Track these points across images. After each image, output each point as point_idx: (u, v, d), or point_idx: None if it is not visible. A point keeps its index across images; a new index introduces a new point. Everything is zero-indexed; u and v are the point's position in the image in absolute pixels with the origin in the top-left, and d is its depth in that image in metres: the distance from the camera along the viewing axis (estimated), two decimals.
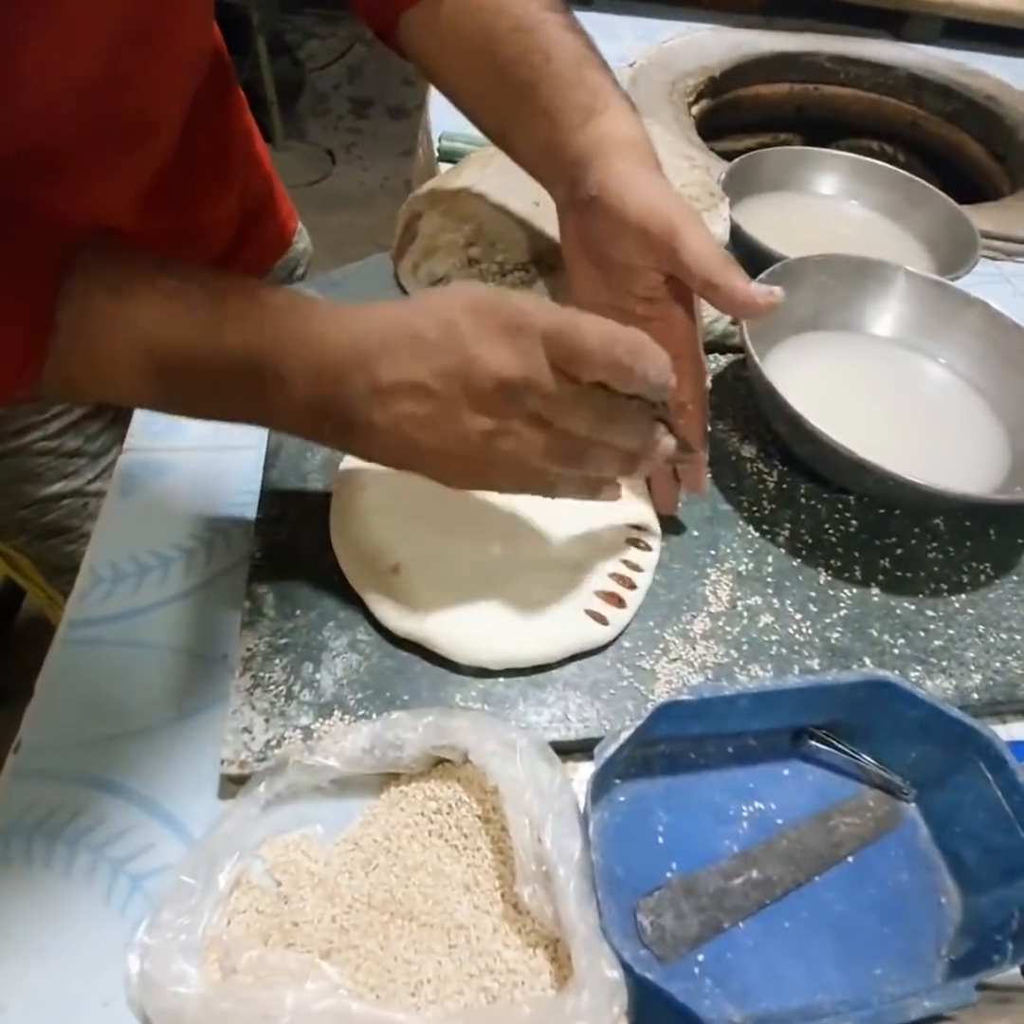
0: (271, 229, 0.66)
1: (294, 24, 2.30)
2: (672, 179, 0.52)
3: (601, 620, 0.36)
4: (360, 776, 0.32)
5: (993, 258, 0.68)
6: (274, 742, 0.32)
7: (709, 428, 0.41)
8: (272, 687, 0.33)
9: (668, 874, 0.31)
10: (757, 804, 0.34)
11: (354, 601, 0.37)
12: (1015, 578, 0.42)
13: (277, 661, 0.34)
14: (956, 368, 0.48)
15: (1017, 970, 0.28)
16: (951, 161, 0.99)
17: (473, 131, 0.70)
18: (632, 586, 0.37)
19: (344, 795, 0.32)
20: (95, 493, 0.56)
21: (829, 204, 0.62)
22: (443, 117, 0.76)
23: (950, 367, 0.48)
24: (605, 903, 0.26)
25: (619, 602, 0.36)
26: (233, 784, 0.32)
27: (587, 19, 0.41)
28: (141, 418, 0.47)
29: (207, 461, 0.45)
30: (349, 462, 0.41)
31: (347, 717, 0.33)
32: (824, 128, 1.07)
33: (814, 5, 1.06)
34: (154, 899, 0.29)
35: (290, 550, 0.38)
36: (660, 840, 0.32)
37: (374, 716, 0.33)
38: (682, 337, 0.37)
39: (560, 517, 0.39)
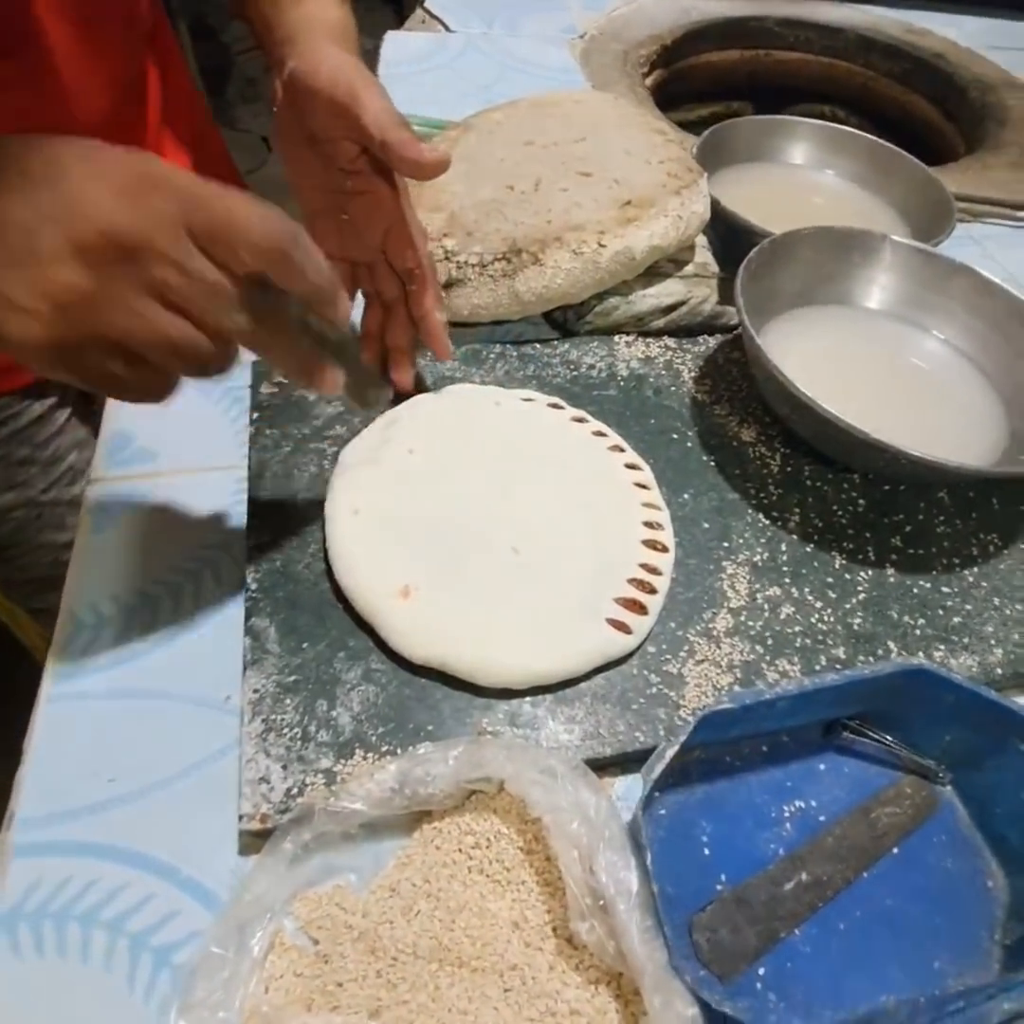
0: None
1: (216, 5, 2.18)
2: (648, 155, 0.51)
3: (624, 628, 0.34)
4: (390, 816, 0.30)
5: (960, 220, 0.68)
6: (295, 790, 0.30)
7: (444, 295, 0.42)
8: (286, 730, 0.31)
9: (718, 886, 0.30)
10: (797, 803, 0.33)
11: (363, 627, 0.34)
12: (1023, 547, 0.42)
13: (288, 701, 0.32)
14: (947, 338, 0.47)
15: None
16: (904, 123, 0.99)
17: (429, 112, 0.68)
18: (652, 590, 0.36)
19: (374, 838, 0.30)
20: (50, 502, 0.53)
21: (802, 174, 0.61)
22: (397, 97, 0.72)
23: (941, 337, 0.48)
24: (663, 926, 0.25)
25: (640, 608, 0.35)
26: (255, 838, 0.29)
27: None
28: (106, 446, 0.43)
29: (183, 486, 0.42)
30: (336, 483, 0.38)
31: (370, 755, 0.31)
32: (776, 94, 1.05)
33: None
34: (183, 974, 0.27)
35: (288, 578, 0.36)
36: (706, 851, 0.31)
37: (399, 751, 0.31)
38: (389, 206, 0.39)
39: (572, 522, 0.38)
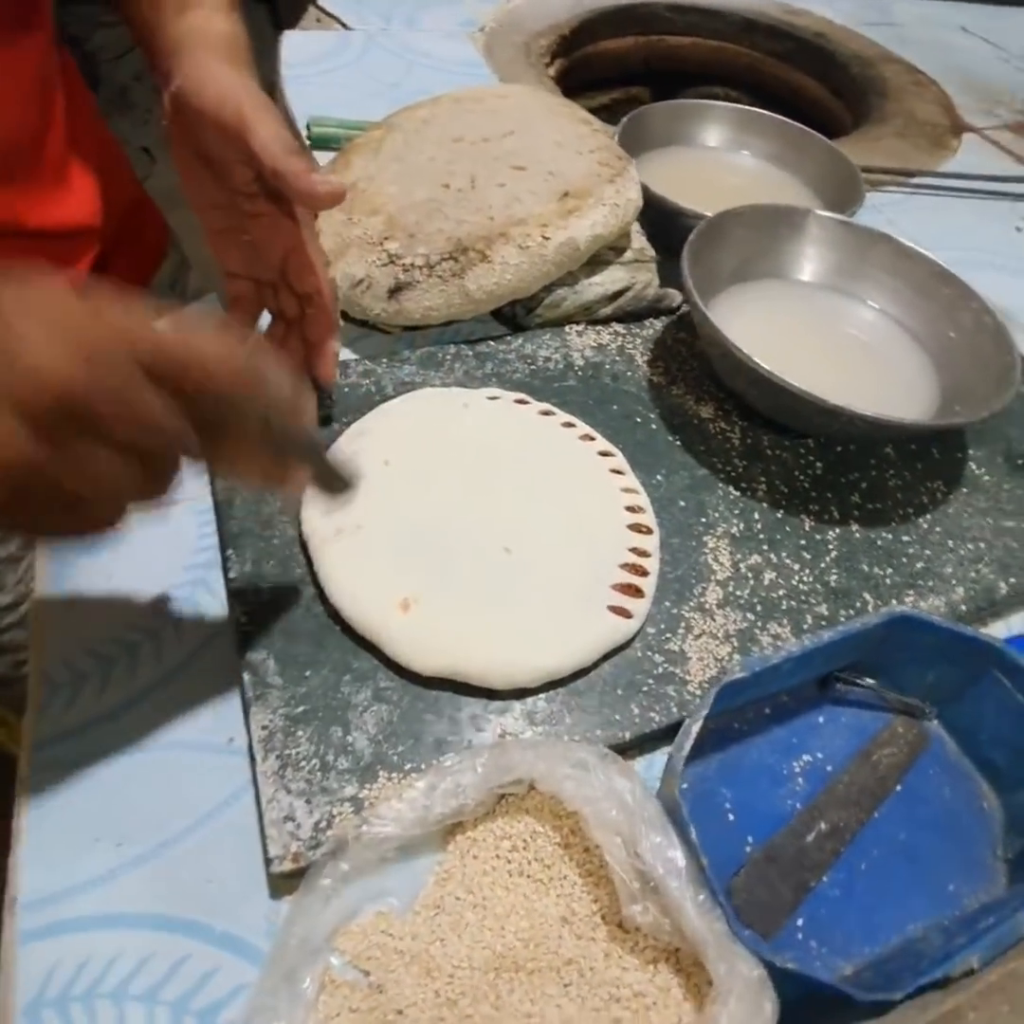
0: (146, 237, 0.59)
1: (77, 15, 2.04)
2: (578, 145, 0.51)
3: (624, 613, 0.35)
4: (424, 834, 0.30)
5: None
6: (323, 823, 0.29)
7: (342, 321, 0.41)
8: (303, 763, 0.30)
9: (747, 849, 0.32)
10: (805, 757, 0.35)
11: (365, 647, 0.34)
12: (965, 491, 0.45)
13: (300, 733, 0.31)
14: (875, 303, 0.50)
15: None
16: (793, 101, 1.04)
17: (344, 113, 0.66)
18: (644, 572, 0.37)
19: (410, 858, 0.30)
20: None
21: (717, 155, 0.63)
22: (303, 99, 0.70)
23: (869, 303, 0.51)
24: None
25: (636, 591, 0.36)
26: (287, 879, 0.28)
27: None
28: None
29: (146, 522, 0.39)
30: (312, 504, 0.37)
31: (395, 775, 0.30)
32: (673, 78, 1.09)
33: None
34: None
35: (278, 607, 0.35)
36: (731, 817, 0.32)
37: (422, 766, 0.31)
38: (288, 230, 0.38)
39: (557, 515, 0.38)
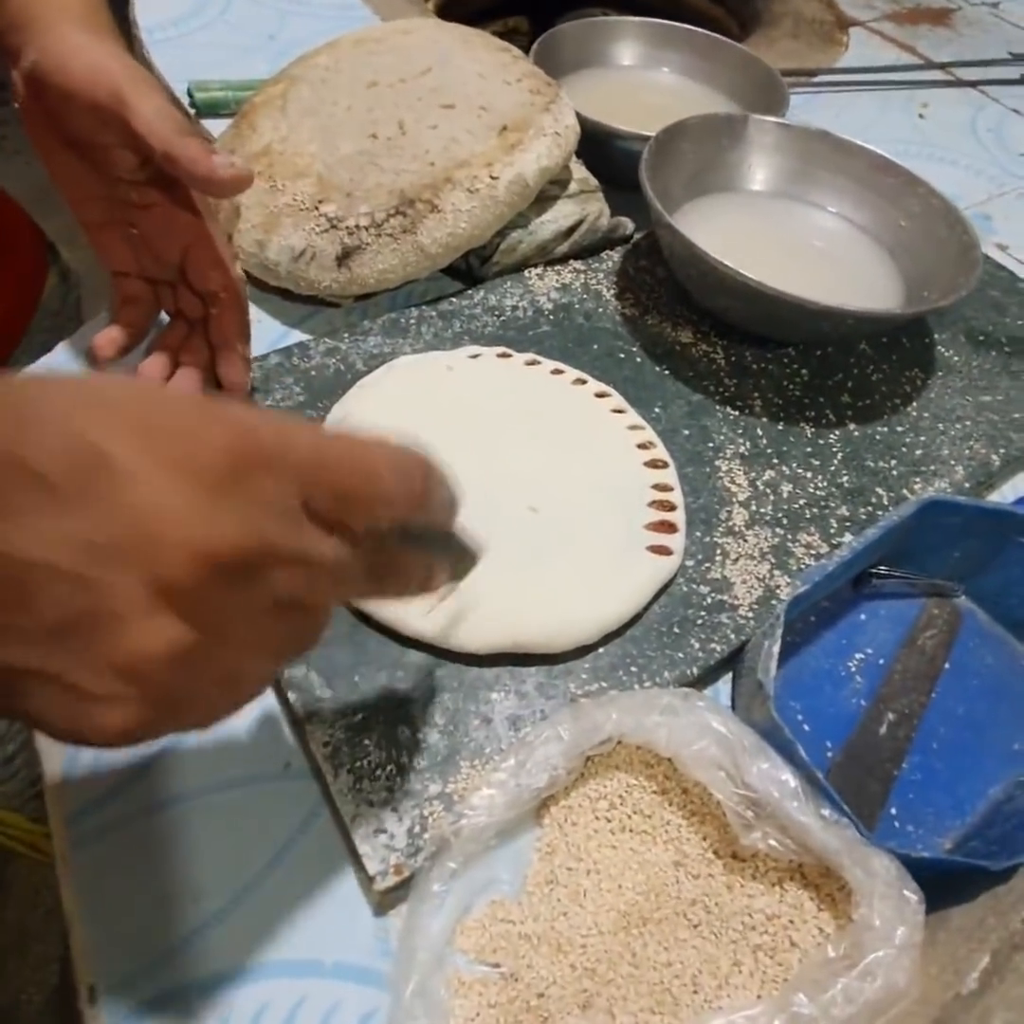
0: (18, 249, 0.52)
1: None
2: (503, 75, 0.48)
3: (664, 551, 0.34)
4: (519, 814, 0.28)
5: None
6: (416, 828, 0.27)
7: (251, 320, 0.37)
8: (378, 772, 0.28)
9: (828, 754, 0.32)
10: (857, 656, 0.35)
11: (408, 642, 0.32)
12: (940, 374, 0.46)
13: (366, 741, 0.29)
14: (826, 204, 0.50)
15: None
16: (677, 15, 1.01)
17: (227, 73, 0.60)
18: (672, 507, 0.36)
19: (509, 841, 0.29)
20: None
21: (635, 74, 0.61)
22: (174, 65, 0.63)
23: (821, 205, 0.50)
24: None
25: (670, 527, 0.35)
26: (390, 893, 0.27)
27: None
28: None
29: None
30: None
31: (476, 762, 0.29)
32: (550, 6, 1.04)
33: None
34: None
35: None
36: (805, 727, 0.33)
37: (503, 746, 0.29)
38: (186, 221, 0.34)
39: (573, 465, 0.36)
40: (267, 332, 0.44)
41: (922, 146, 0.69)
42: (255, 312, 0.46)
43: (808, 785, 0.26)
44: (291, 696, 0.30)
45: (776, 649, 0.29)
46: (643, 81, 0.61)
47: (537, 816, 0.29)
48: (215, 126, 0.56)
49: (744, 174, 0.50)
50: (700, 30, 0.61)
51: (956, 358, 0.47)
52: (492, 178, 0.43)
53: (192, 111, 0.58)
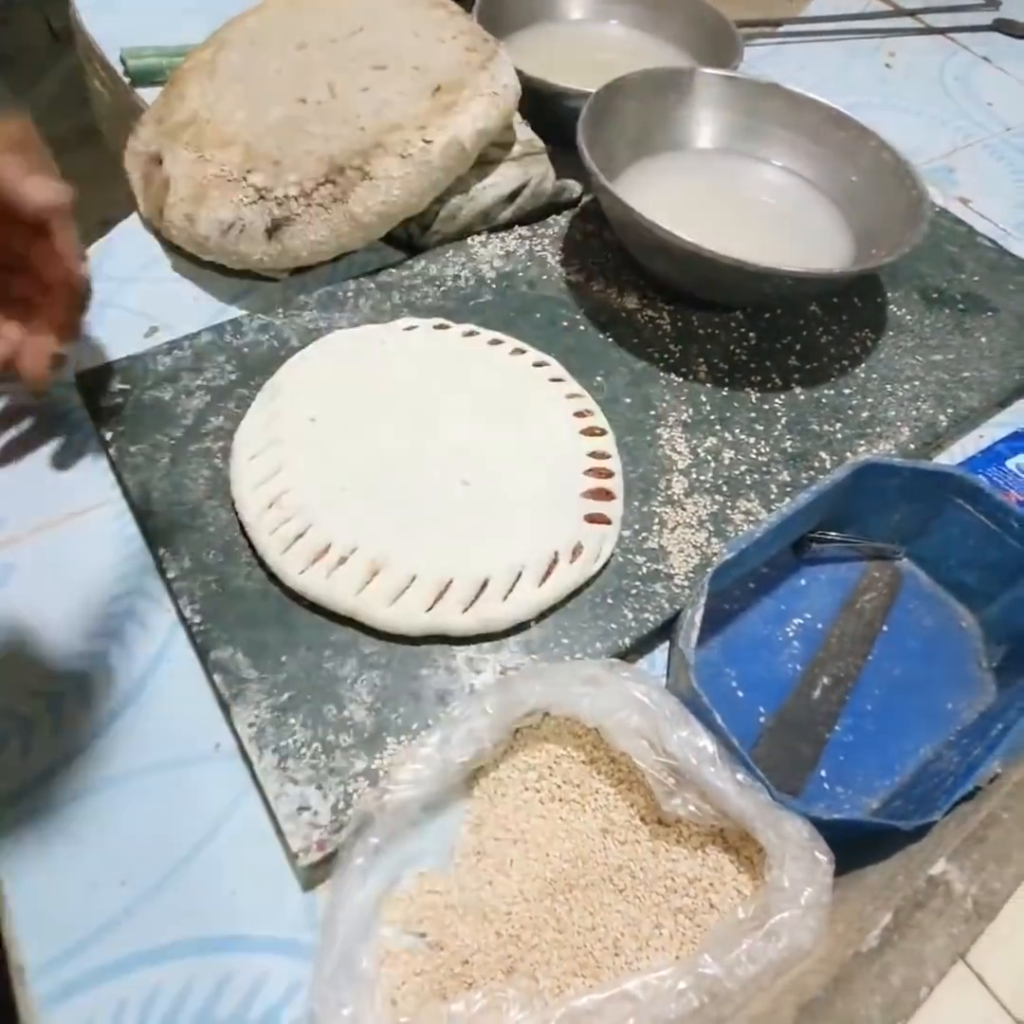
0: None
1: None
2: (438, 33, 0.46)
3: (602, 520, 0.34)
4: (445, 789, 0.29)
5: None
6: (341, 804, 0.27)
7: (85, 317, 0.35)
8: (304, 751, 0.28)
9: (760, 719, 0.32)
10: (795, 621, 0.35)
11: (338, 619, 0.31)
12: (891, 334, 0.45)
13: (292, 721, 0.29)
14: (777, 160, 0.49)
15: None
16: None
17: (161, 39, 0.57)
18: (609, 474, 0.35)
19: (438, 814, 0.29)
20: None
21: (584, 28, 0.59)
22: (109, 31, 0.61)
23: (772, 161, 0.49)
24: None
25: (607, 495, 0.35)
26: (317, 868, 0.27)
27: None
28: None
29: (52, 543, 0.35)
30: (241, 481, 0.34)
31: (403, 738, 0.29)
32: None
33: None
34: None
35: (232, 597, 0.32)
36: (739, 694, 0.33)
37: (430, 722, 0.29)
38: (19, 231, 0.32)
39: (507, 436, 0.36)
40: (203, 309, 0.43)
41: (887, 97, 0.67)
42: (191, 289, 0.45)
43: (726, 751, 0.26)
44: (216, 678, 0.30)
45: (698, 618, 0.28)
46: (593, 35, 0.58)
47: (467, 788, 0.30)
48: (150, 94, 0.54)
49: (692, 131, 0.49)
50: None
51: (909, 317, 0.46)
52: (425, 142, 0.41)
53: (126, 80, 0.56)
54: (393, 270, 0.45)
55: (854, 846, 0.25)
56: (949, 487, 0.34)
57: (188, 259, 0.45)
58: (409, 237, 0.47)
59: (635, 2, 0.58)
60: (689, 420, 0.40)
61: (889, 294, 0.47)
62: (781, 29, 0.73)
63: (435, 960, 0.26)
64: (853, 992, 0.20)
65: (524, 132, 0.49)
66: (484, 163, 0.46)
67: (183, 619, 0.32)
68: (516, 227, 0.48)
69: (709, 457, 0.38)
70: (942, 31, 0.76)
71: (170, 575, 0.32)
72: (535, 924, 0.27)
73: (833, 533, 0.37)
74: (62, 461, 0.37)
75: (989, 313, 0.47)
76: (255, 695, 0.29)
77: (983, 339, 0.45)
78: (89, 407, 0.37)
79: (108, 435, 0.36)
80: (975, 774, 0.25)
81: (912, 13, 0.77)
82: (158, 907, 0.27)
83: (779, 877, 0.23)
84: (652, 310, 0.44)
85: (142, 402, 0.37)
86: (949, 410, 0.42)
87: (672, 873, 0.27)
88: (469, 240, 0.46)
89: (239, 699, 0.29)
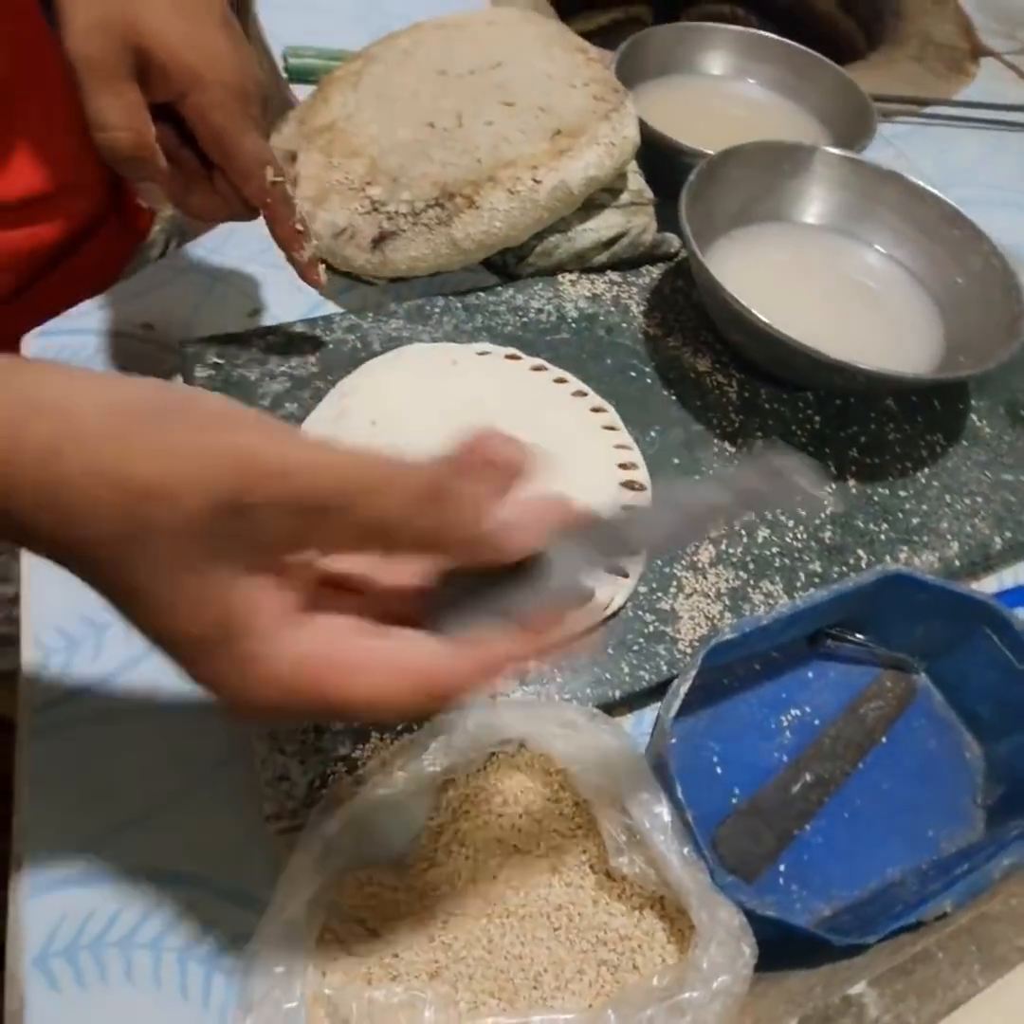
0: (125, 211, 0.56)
1: None
2: (571, 77, 0.48)
3: (619, 572, 0.35)
4: (417, 792, 0.30)
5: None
6: (317, 782, 0.30)
7: (301, 227, 0.38)
8: (296, 727, 0.31)
9: (733, 800, 0.32)
10: (793, 712, 0.35)
11: None
12: (965, 443, 0.44)
13: None
14: (883, 247, 0.48)
15: None
16: (805, 20, 0.98)
17: (324, 42, 0.62)
18: None
19: (403, 814, 0.31)
20: None
21: (721, 84, 0.60)
22: (279, 25, 0.66)
23: (877, 247, 0.49)
24: None
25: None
26: (286, 835, 0.29)
27: None
28: None
29: None
30: None
31: (387, 735, 0.31)
32: None
33: None
34: (237, 977, 0.27)
35: None
36: (718, 770, 0.33)
37: (414, 727, 0.31)
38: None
39: (549, 475, 0.37)
40: (302, 300, 0.47)
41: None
42: (296, 280, 0.48)
43: (680, 824, 0.27)
44: None
45: (684, 689, 0.29)
46: (728, 92, 0.59)
47: (437, 797, 0.31)
48: (301, 91, 0.58)
49: (800, 205, 0.49)
50: (793, 43, 0.59)
51: (989, 430, 0.45)
52: (535, 182, 0.44)
53: (284, 75, 0.61)
54: (481, 293, 0.47)
55: (785, 947, 0.25)
56: (979, 614, 0.34)
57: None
58: (504, 264, 0.49)
59: (775, 64, 0.59)
60: None
61: (973, 402, 0.46)
62: (927, 110, 0.71)
63: (369, 946, 0.28)
64: None
65: (636, 182, 0.50)
66: (591, 206, 0.48)
67: None
68: (608, 271, 0.49)
69: (743, 532, 0.39)
70: None
71: None
72: (467, 939, 0.28)
73: (852, 634, 0.36)
74: None
75: None
76: None
77: None
78: (184, 375, 0.41)
79: None
80: (925, 907, 0.25)
81: None
82: (141, 830, 0.30)
83: (700, 957, 0.24)
84: (722, 375, 0.45)
85: (231, 377, 0.41)
86: (1007, 533, 0.40)
87: (606, 926, 0.28)
88: (560, 277, 0.48)
89: None
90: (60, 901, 0.28)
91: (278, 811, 0.29)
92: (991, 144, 0.70)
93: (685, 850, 0.26)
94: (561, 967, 0.27)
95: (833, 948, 0.25)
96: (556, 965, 0.27)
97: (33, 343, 0.43)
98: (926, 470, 0.43)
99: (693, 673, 0.30)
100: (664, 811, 0.27)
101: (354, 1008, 0.26)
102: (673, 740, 0.29)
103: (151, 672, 0.33)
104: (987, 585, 0.41)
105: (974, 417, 0.45)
